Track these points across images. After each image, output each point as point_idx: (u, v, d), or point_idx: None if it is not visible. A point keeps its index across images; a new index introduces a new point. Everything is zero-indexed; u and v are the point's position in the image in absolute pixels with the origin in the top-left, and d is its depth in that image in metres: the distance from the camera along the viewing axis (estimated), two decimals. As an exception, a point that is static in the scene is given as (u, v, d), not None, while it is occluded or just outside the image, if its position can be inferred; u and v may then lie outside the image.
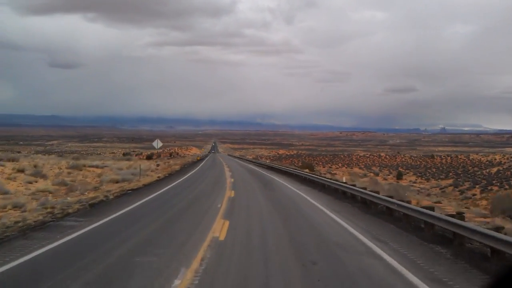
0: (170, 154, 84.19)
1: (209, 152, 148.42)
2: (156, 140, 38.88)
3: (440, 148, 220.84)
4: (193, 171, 42.95)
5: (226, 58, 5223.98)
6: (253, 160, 77.92)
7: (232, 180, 30.50)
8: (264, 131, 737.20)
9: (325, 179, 27.92)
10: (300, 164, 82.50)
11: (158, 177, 33.23)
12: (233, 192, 22.05)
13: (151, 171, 40.05)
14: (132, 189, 23.34)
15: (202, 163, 63.37)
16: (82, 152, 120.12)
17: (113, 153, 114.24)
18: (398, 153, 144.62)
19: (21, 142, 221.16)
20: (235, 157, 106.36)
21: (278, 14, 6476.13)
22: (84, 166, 39.21)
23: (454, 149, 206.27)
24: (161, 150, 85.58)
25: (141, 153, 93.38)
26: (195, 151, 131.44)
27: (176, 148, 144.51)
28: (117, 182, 28.09)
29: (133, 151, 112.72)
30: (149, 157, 71.59)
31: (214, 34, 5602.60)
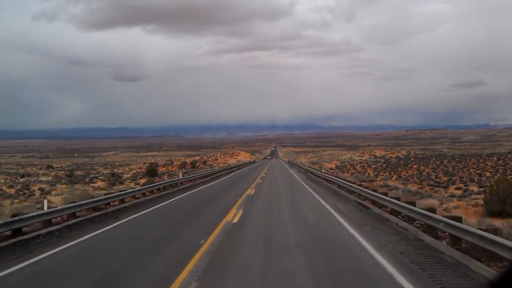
0: (192, 165, 67.82)
1: (264, 158, 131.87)
2: None
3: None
4: None
5: (285, 61, 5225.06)
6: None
7: None
8: (326, 133, 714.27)
9: None
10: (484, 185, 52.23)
11: None
12: None
13: None
14: None
15: None
16: (109, 165, 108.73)
17: (146, 163, 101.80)
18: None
19: (75, 154, 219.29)
20: (302, 168, 59.32)
21: (338, 13, 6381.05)
22: None
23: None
24: (197, 159, 70.73)
25: (173, 163, 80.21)
26: (242, 157, 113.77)
27: (219, 154, 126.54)
28: None
29: (170, 160, 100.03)
30: (151, 172, 54.55)
31: (272, 38, 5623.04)
